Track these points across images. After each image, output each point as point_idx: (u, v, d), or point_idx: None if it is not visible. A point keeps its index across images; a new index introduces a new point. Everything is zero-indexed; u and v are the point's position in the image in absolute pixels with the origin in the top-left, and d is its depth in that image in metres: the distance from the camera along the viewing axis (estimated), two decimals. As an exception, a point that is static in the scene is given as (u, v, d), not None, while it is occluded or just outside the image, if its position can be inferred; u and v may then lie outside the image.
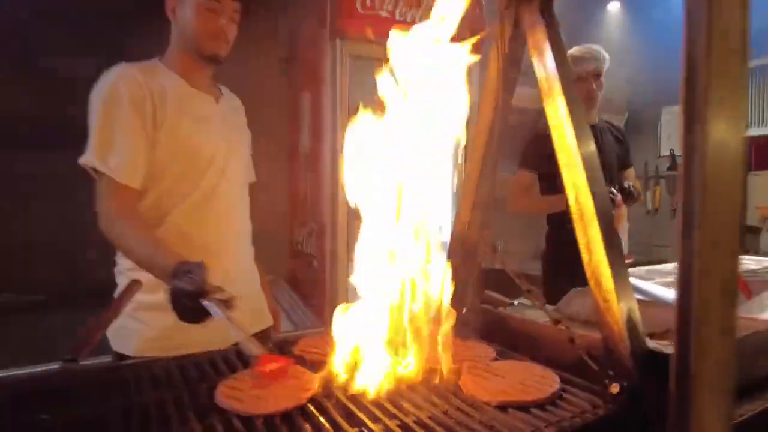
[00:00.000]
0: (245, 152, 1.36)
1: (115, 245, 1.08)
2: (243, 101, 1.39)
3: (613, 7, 4.06)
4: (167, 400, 0.64)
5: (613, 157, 2.48)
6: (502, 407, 0.64)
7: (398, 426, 0.59)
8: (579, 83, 2.39)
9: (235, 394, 0.64)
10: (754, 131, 3.60)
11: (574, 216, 0.76)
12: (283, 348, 0.84)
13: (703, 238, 0.51)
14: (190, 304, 0.83)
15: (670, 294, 1.69)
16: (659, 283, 1.98)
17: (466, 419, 0.60)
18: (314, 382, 0.67)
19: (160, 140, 1.12)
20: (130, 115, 1.09)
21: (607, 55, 2.37)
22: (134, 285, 0.91)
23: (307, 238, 2.73)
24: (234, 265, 1.24)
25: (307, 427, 0.58)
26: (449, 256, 0.98)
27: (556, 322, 0.76)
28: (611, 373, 0.66)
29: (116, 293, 1.06)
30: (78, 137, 1.08)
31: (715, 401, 0.50)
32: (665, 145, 4.12)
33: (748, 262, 2.26)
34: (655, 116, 4.16)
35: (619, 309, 0.69)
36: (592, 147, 0.81)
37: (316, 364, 0.73)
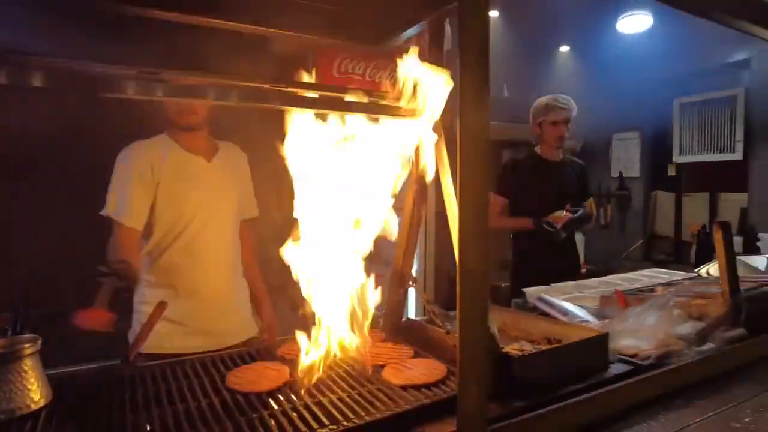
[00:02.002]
0: (239, 194, 1.75)
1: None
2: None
3: (564, 50, 4.51)
4: (194, 384, 1.03)
5: (573, 188, 2.91)
6: (404, 388, 1.03)
7: (337, 399, 0.98)
8: (552, 127, 2.83)
9: (238, 380, 1.03)
10: (689, 158, 4.06)
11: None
12: (270, 351, 1.23)
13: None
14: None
15: (574, 308, 2.08)
16: (594, 293, 2.39)
17: (377, 393, 0.99)
18: (286, 372, 1.06)
19: (159, 195, 1.53)
20: (134, 178, 1.51)
21: (575, 105, 2.79)
22: (162, 305, 1.28)
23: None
24: (222, 284, 1.64)
25: (279, 397, 0.97)
26: (390, 285, 1.37)
27: (447, 332, 1.16)
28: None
29: (137, 310, 1.48)
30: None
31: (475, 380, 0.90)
32: (615, 168, 4.57)
33: (662, 275, 2.68)
34: (606, 142, 4.62)
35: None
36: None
37: (291, 361, 1.12)
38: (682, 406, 1.15)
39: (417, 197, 1.31)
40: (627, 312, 1.82)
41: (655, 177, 4.45)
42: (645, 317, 1.75)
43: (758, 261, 2.61)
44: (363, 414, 0.90)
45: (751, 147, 3.66)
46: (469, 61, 0.84)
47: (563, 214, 2.66)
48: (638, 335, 1.67)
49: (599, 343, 1.37)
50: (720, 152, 3.84)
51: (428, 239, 3.64)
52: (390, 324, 1.38)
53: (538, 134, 2.89)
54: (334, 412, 0.91)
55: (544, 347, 1.20)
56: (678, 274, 2.77)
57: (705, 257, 3.41)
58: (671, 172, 4.30)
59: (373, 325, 1.21)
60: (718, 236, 1.77)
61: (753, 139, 3.64)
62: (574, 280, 2.62)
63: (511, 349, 1.33)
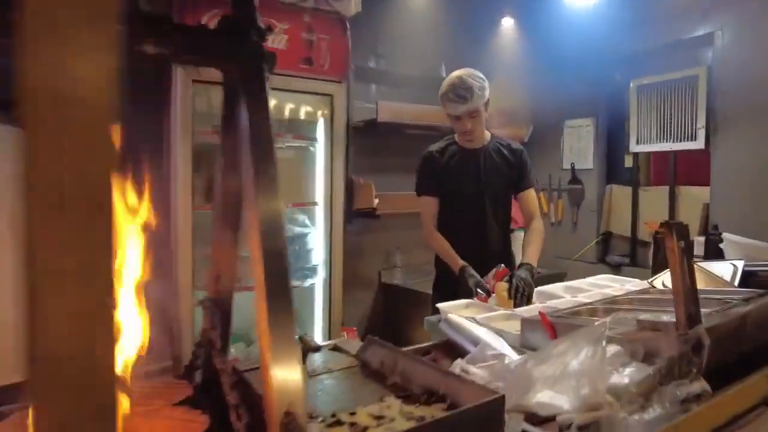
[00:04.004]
0: None
1: None
2: None
3: (508, 23, 4.02)
4: None
5: (501, 179, 2.38)
6: None
7: None
8: (454, 121, 2.29)
9: None
10: (647, 147, 3.62)
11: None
12: None
13: None
14: None
15: (488, 336, 1.57)
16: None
17: None
18: None
19: None
20: None
21: (484, 86, 2.24)
22: None
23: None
24: None
25: None
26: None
27: None
28: None
29: None
30: None
31: None
32: (567, 159, 4.11)
33: (612, 284, 2.20)
34: (558, 130, 4.15)
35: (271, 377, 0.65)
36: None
37: None
38: None
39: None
40: (550, 347, 1.30)
41: (610, 169, 4.01)
42: (571, 357, 1.24)
43: (722, 268, 2.14)
44: None
45: (713, 134, 3.22)
46: None
47: (492, 282, 2.12)
48: (558, 387, 1.17)
49: (489, 415, 0.87)
50: (680, 140, 3.40)
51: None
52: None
53: None
54: None
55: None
56: (632, 282, 2.30)
57: (663, 261, 2.96)
58: (627, 163, 3.86)
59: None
60: (670, 244, 1.28)
61: (715, 125, 3.20)
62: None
63: (368, 415, 0.93)
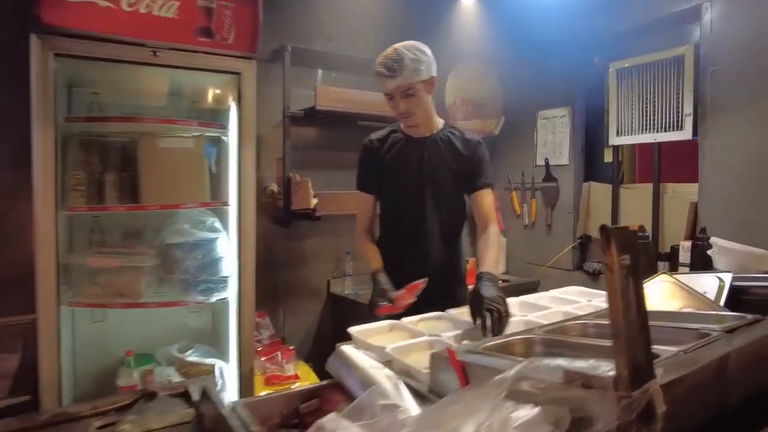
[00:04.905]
0: None
1: None
2: None
3: (467, 1, 3.59)
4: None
5: (445, 175, 1.98)
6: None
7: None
8: (389, 101, 1.90)
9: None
10: (628, 140, 3.19)
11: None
12: None
13: None
14: None
15: (384, 380, 1.17)
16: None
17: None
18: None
19: None
20: None
21: (421, 60, 1.84)
22: None
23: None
24: None
25: None
26: None
27: None
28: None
29: None
30: None
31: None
32: (541, 153, 3.68)
33: (577, 300, 1.78)
34: (530, 122, 3.72)
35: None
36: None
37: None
38: None
39: None
40: (444, 404, 0.93)
41: (589, 165, 3.58)
42: (464, 423, 0.84)
43: (706, 282, 1.70)
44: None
45: (702, 122, 2.79)
46: None
47: (403, 295, 1.71)
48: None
49: None
50: (665, 130, 2.98)
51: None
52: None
53: None
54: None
55: None
56: (602, 296, 1.89)
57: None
58: (607, 158, 3.43)
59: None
60: (608, 259, 0.87)
61: (704, 111, 2.77)
62: (454, 303, 1.79)
63: None
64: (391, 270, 1.87)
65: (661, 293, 1.69)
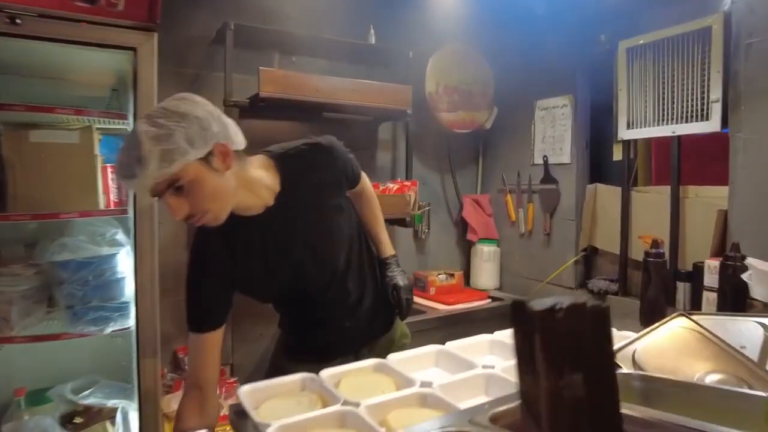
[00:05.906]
0: None
1: None
2: None
3: None
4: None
5: (326, 215, 1.50)
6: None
7: None
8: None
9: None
10: (642, 133, 2.64)
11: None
12: None
13: None
14: None
15: None
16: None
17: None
18: None
19: None
20: None
21: (187, 129, 1.12)
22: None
23: None
24: None
25: None
26: None
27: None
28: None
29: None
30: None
31: None
32: (539, 150, 3.14)
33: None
34: (527, 113, 3.19)
35: None
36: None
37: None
38: None
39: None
40: None
41: (595, 163, 3.04)
42: None
43: (743, 330, 1.18)
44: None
45: (733, 111, 2.24)
46: None
47: None
48: None
49: None
50: (686, 121, 2.43)
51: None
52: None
53: None
54: None
55: None
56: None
57: (655, 297, 1.99)
58: (616, 155, 2.89)
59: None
60: (517, 341, 0.38)
61: (737, 97, 2.22)
62: (388, 344, 1.65)
63: None
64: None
65: (676, 346, 1.17)
